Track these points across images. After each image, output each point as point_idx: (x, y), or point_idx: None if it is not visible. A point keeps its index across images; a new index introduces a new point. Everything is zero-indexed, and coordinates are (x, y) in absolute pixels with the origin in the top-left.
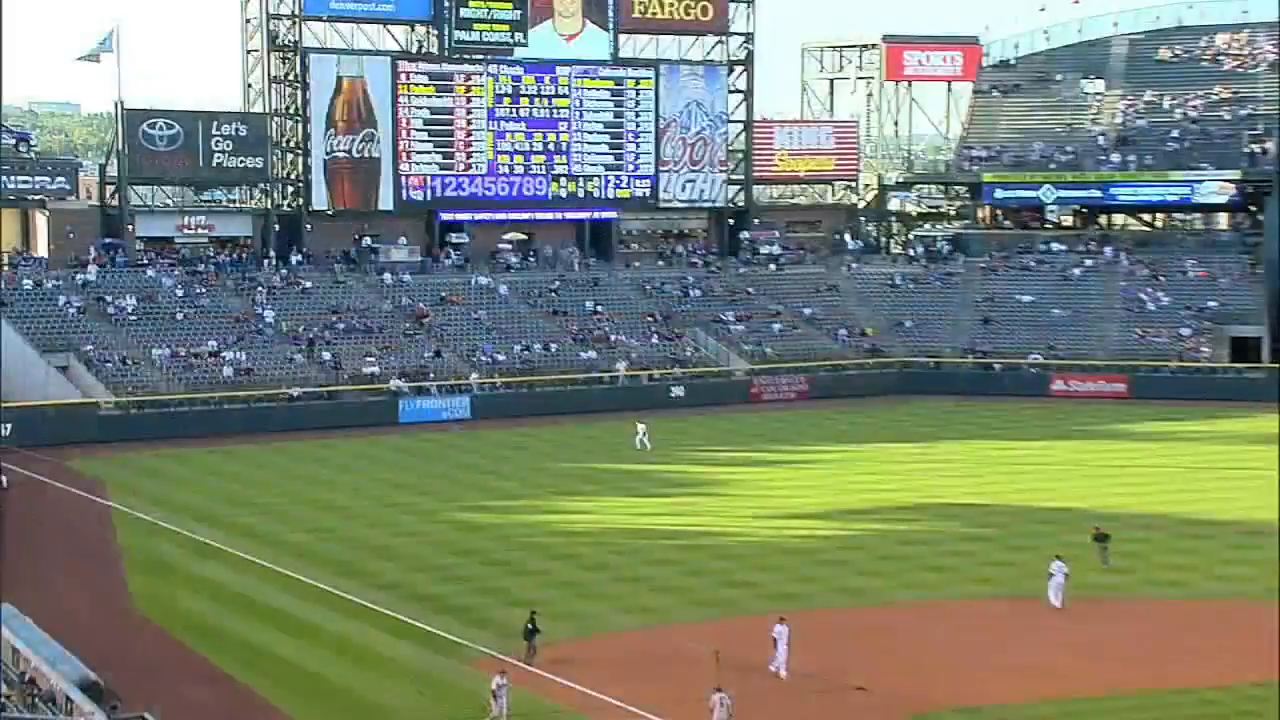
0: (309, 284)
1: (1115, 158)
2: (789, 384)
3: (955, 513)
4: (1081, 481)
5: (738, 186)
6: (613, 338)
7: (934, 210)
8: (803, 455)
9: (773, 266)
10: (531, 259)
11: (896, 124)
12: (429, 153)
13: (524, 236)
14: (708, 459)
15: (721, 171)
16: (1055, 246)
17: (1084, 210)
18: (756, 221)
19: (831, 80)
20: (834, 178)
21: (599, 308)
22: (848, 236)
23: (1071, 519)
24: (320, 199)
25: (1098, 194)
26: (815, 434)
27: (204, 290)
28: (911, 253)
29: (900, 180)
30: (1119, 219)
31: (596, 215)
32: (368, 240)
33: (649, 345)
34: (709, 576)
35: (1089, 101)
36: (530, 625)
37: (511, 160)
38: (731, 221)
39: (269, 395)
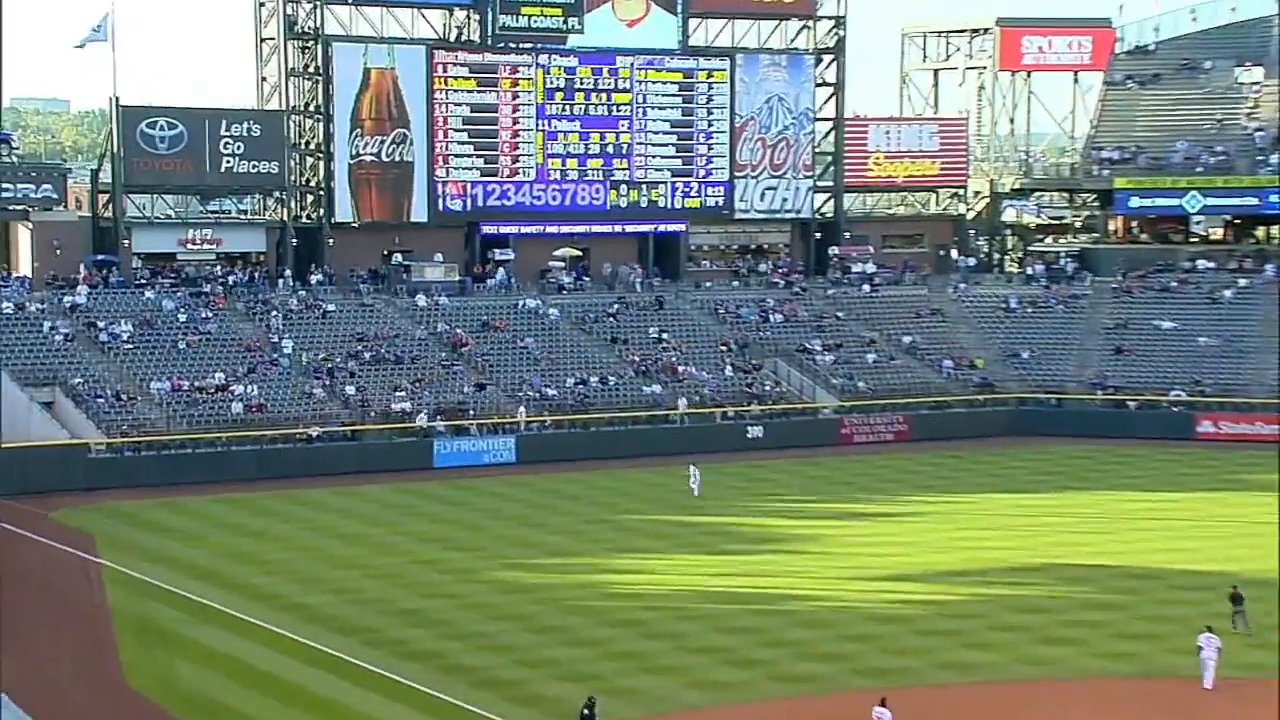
0: (331, 307)
1: (1275, 159)
2: (885, 424)
3: (1082, 575)
4: (1233, 540)
5: (826, 195)
6: (680, 369)
7: (1056, 222)
8: (901, 507)
9: (866, 287)
10: (587, 279)
11: (1013, 121)
12: (469, 156)
13: (578, 253)
14: (790, 511)
15: (807, 177)
16: (1202, 264)
17: (1236, 221)
18: (848, 235)
19: (936, 71)
20: (938, 184)
21: (664, 335)
22: (954, 252)
23: (1221, 584)
24: (344, 209)
25: (1254, 202)
26: (915, 482)
27: (210, 314)
28: (1029, 271)
29: (1017, 187)
30: (1279, 231)
31: (662, 228)
32: (398, 257)
33: (722, 378)
34: (793, 648)
35: (1244, 93)
36: (587, 712)
37: (564, 165)
38: (818, 235)
39: (284, 436)
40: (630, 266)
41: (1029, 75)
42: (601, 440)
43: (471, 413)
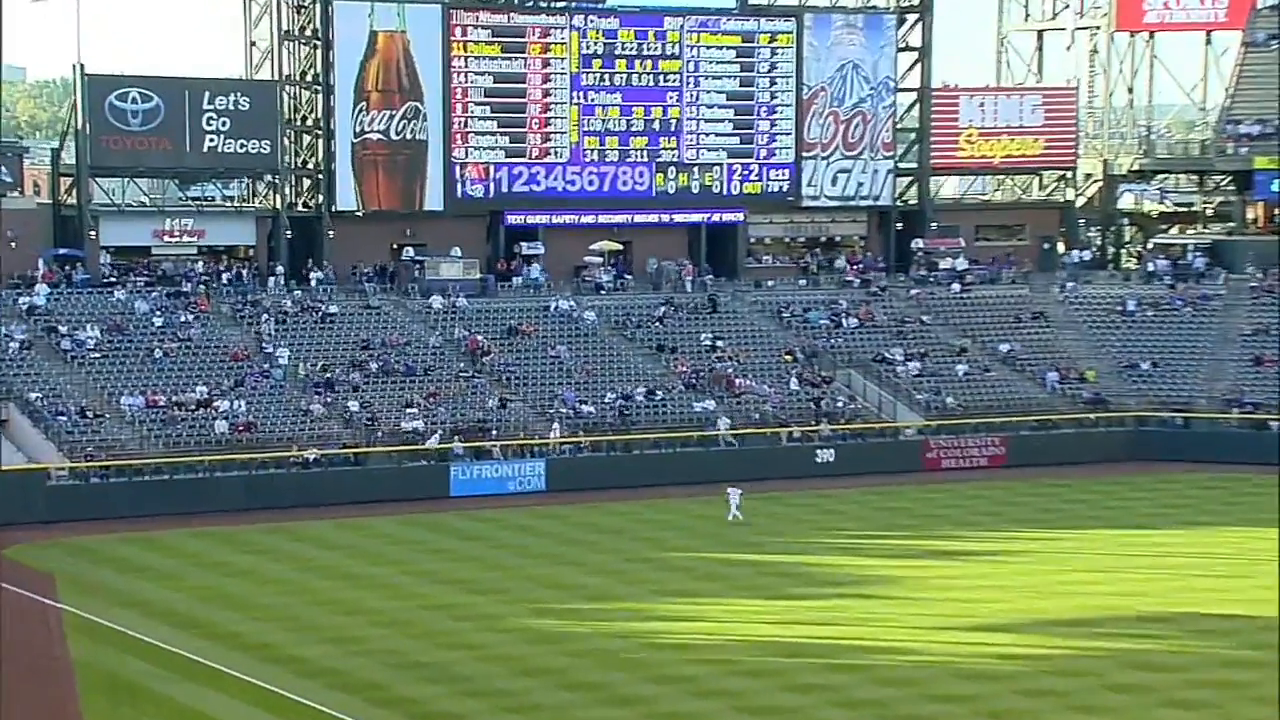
0: (332, 310)
1: None
2: (978, 447)
3: (1215, 627)
4: None
5: (909, 178)
6: (738, 382)
7: (1183, 210)
8: (996, 544)
9: (956, 287)
10: (628, 276)
11: (1131, 91)
12: (492, 134)
13: (618, 246)
14: (866, 548)
15: (886, 158)
16: None
17: None
18: (934, 225)
19: (1040, 32)
20: (1042, 165)
21: (719, 342)
22: (1061, 245)
23: None
24: (347, 196)
25: None
26: (1013, 516)
27: (191, 318)
28: (1150, 268)
29: (1136, 169)
30: None
31: (716, 217)
32: (410, 251)
33: (786, 393)
34: (869, 709)
35: None
36: None
37: (602, 144)
38: (900, 226)
39: (277, 459)
40: (679, 262)
41: (1151, 36)
42: (646, 465)
43: (494, 433)
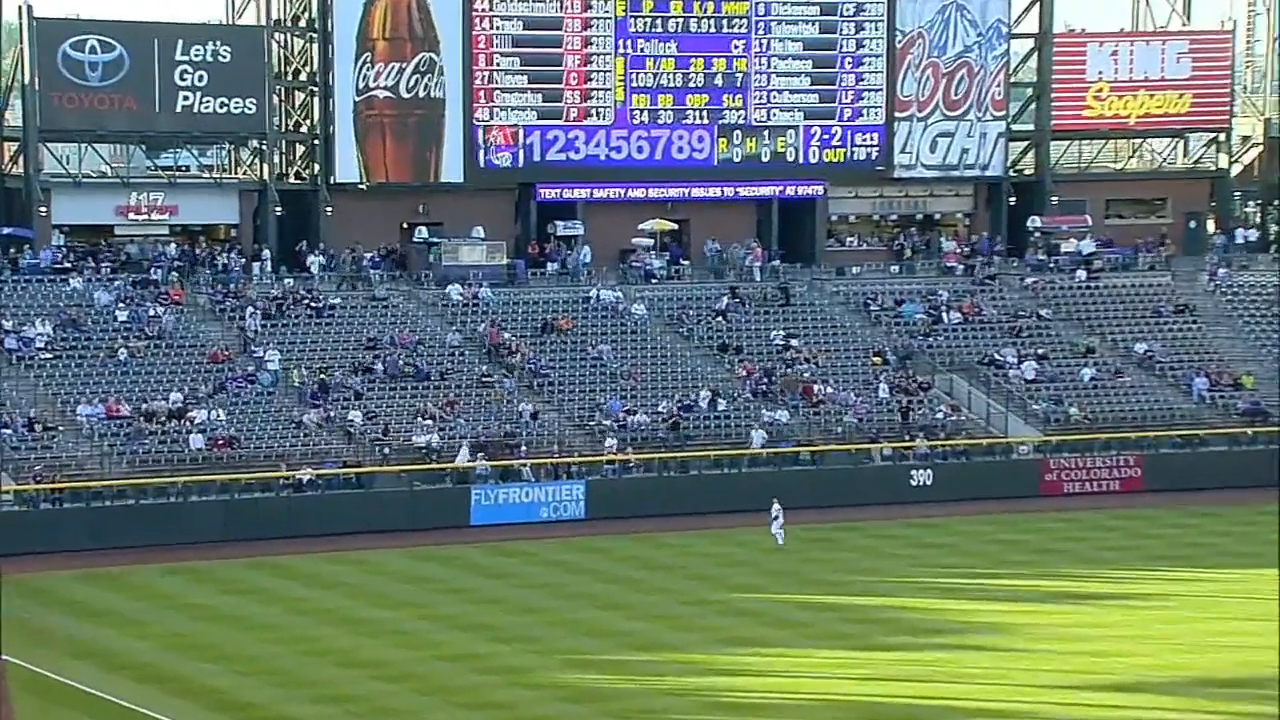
0: (331, 301)
1: None
2: (1108, 468)
3: None
4: None
5: (1024, 143)
6: (816, 389)
7: None
8: (1130, 586)
9: (1082, 274)
10: (685, 262)
11: None
12: (522, 91)
13: (673, 226)
14: (972, 589)
15: (997, 118)
16: None
17: None
18: (1055, 200)
19: None
20: (1189, 126)
21: (794, 341)
22: (1211, 224)
23: None
24: (348, 166)
25: None
26: (1151, 551)
27: (162, 311)
28: None
29: None
30: None
31: (791, 191)
32: (424, 232)
33: (875, 402)
34: None
35: None
36: None
37: (654, 103)
38: (1013, 200)
39: (263, 481)
40: (746, 245)
41: None
42: (706, 488)
43: (524, 449)
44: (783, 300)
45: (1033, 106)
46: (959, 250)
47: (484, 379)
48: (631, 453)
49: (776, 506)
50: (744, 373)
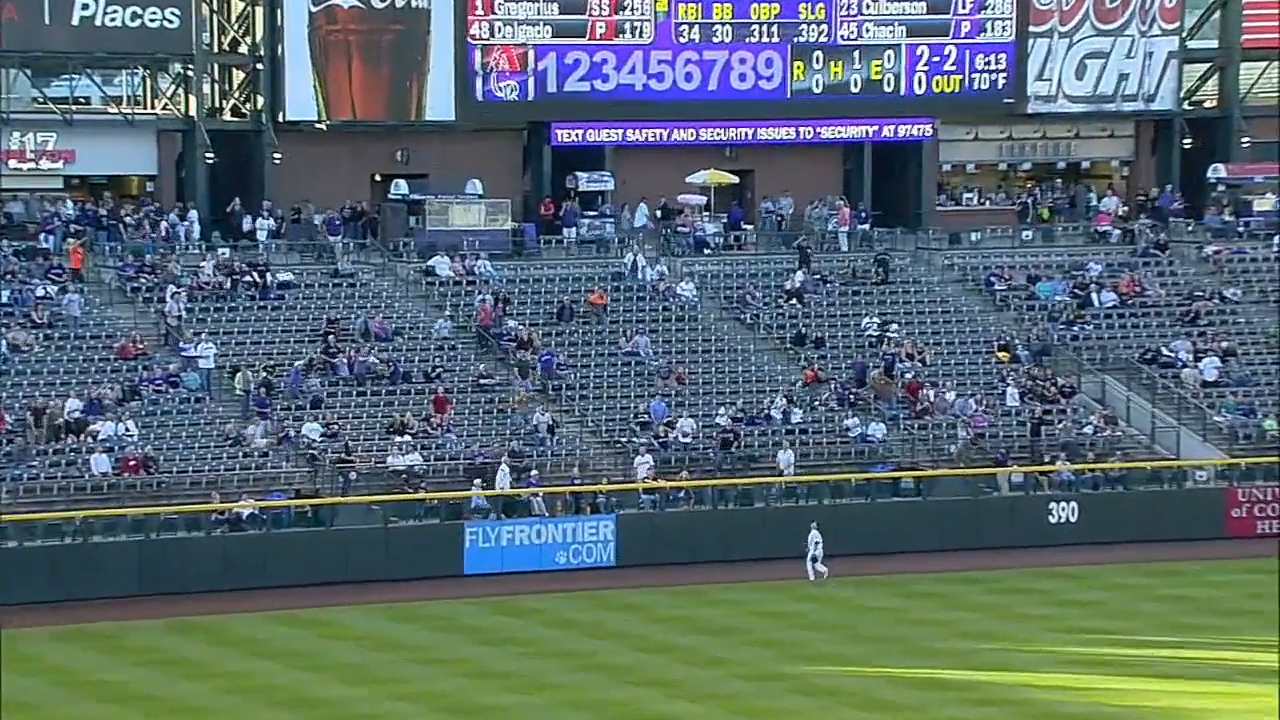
0: (282, 278)
1: None
2: None
3: None
4: None
5: (1204, 65)
6: (924, 393)
7: None
8: None
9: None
10: (748, 227)
11: None
12: (530, 1)
13: (732, 179)
14: (1133, 664)
15: (1168, 33)
16: None
17: None
18: (1246, 142)
19: None
20: None
21: (892, 330)
22: None
23: None
24: (302, 99)
25: None
26: None
27: (55, 291)
28: None
29: None
30: None
31: (889, 133)
32: (402, 187)
33: (1001, 410)
34: None
35: None
36: None
37: (706, 16)
38: (1188, 144)
39: (189, 515)
40: (828, 205)
41: None
42: (774, 525)
43: (534, 473)
44: (878, 277)
45: (1216, 16)
46: (1115, 210)
47: (482, 380)
48: (684, 478)
49: (815, 534)
50: (824, 371)
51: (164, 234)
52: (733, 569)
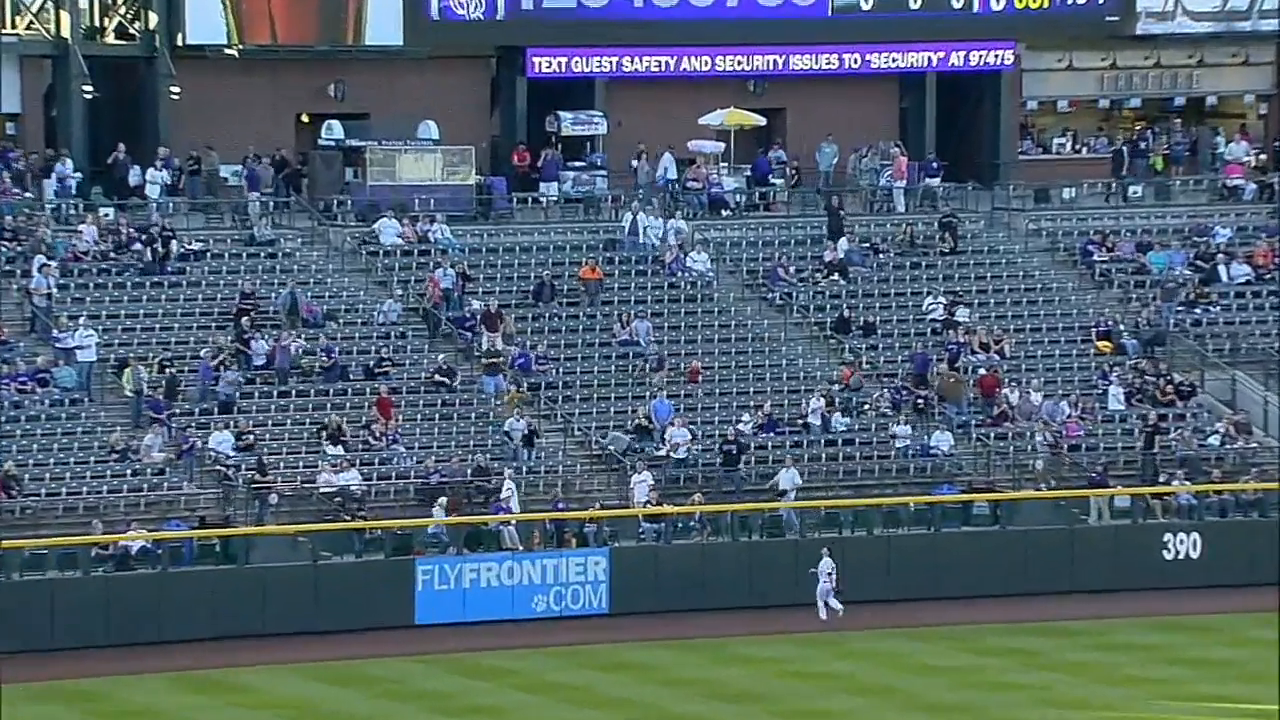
0: (194, 246)
1: None
2: None
3: None
4: None
5: None
6: (1003, 394)
7: None
8: None
9: None
10: (778, 182)
11: None
12: None
13: (757, 120)
14: None
15: None
16: None
17: None
18: None
19: None
20: None
21: (962, 312)
22: None
23: None
24: (206, 19)
25: None
26: None
27: None
28: None
29: None
30: None
31: (958, 60)
32: (336, 130)
33: (1101, 414)
34: None
35: None
36: None
37: None
38: None
39: (63, 550)
40: (881, 152)
41: None
42: (810, 560)
43: (507, 498)
44: (944, 245)
45: None
46: (1248, 159)
47: (440, 376)
48: (697, 501)
49: (827, 562)
50: (871, 366)
51: (29, 189)
52: (758, 617)
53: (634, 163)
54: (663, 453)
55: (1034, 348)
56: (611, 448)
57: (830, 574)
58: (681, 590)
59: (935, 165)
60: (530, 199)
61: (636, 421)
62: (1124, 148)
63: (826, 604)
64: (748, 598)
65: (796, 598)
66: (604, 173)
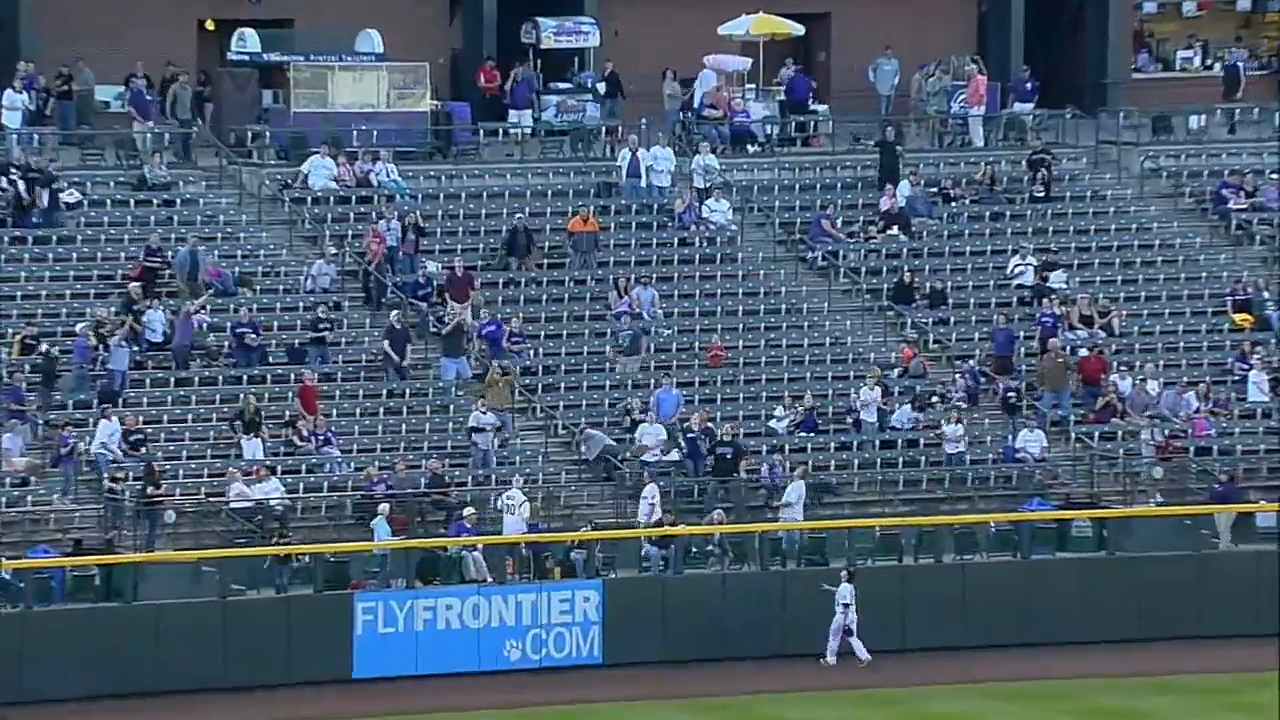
0: (67, 199)
1: None
2: None
3: None
4: None
5: None
6: (1111, 380)
7: None
8: None
9: None
10: (819, 108)
11: None
12: None
13: (794, 29)
14: None
15: None
16: None
17: None
18: None
19: None
20: None
21: (1055, 273)
22: None
23: None
24: None
25: None
26: None
27: None
28: None
29: None
30: None
31: None
32: (249, 41)
33: (1238, 407)
34: None
35: None
36: None
37: None
38: None
39: None
40: (951, 69)
41: None
42: (863, 594)
43: (469, 511)
44: (1035, 189)
45: None
46: None
47: (384, 359)
48: (717, 519)
49: (846, 589)
50: (946, 347)
51: None
52: (792, 669)
53: (664, 83)
54: (679, 451)
55: (1151, 322)
56: (601, 450)
57: (847, 605)
58: (695, 635)
59: (1024, 86)
60: (501, 131)
61: (634, 417)
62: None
63: (851, 643)
64: (780, 643)
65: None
66: (591, 99)
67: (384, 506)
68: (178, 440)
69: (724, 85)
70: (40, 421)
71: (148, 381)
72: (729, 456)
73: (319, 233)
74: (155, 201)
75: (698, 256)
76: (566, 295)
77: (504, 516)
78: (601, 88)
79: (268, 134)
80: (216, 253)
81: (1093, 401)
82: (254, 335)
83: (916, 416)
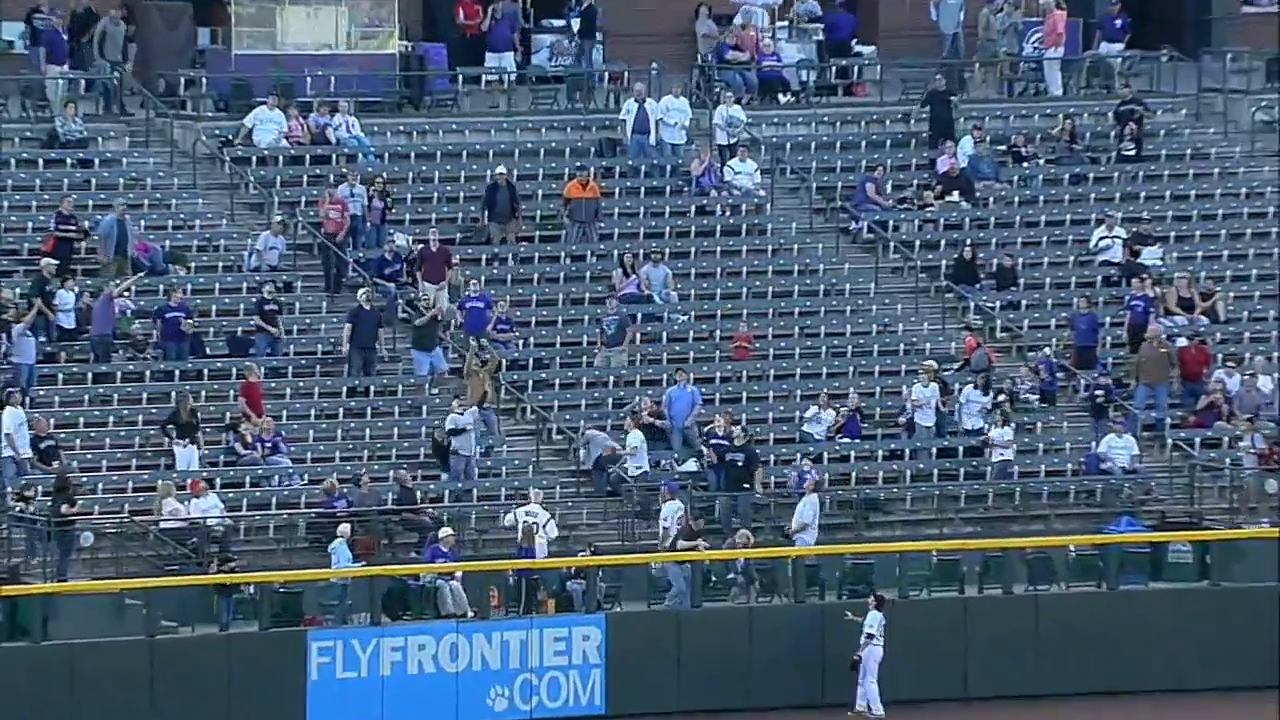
0: None
1: None
2: None
3: None
4: None
5: None
6: (1212, 373)
7: None
8: None
9: None
10: (866, 49)
11: None
12: None
13: None
14: None
15: None
16: None
17: None
18: None
19: None
20: None
21: (1149, 247)
22: None
23: None
24: None
25: None
26: None
27: None
28: None
29: None
30: None
31: None
32: None
33: None
34: None
35: None
36: None
37: None
38: None
39: None
40: (1026, 4)
41: None
42: (911, 633)
43: (446, 533)
44: (1124, 147)
45: None
46: None
47: (344, 350)
48: (744, 541)
49: (875, 617)
50: (1019, 336)
51: None
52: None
53: (696, 21)
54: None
55: (1263, 306)
56: (600, 457)
57: (872, 636)
58: (715, 680)
59: (1112, 24)
60: (483, 78)
61: (642, 420)
62: None
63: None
64: (816, 692)
65: (895, 692)
66: (586, 38)
67: (344, 527)
68: (96, 448)
69: (749, 27)
70: None
71: (60, 377)
72: (740, 464)
73: (266, 199)
74: (69, 161)
75: (719, 228)
76: (562, 274)
77: (529, 538)
78: (575, 24)
79: (204, 81)
80: (143, 223)
81: (1193, 401)
82: (188, 321)
83: (972, 416)
